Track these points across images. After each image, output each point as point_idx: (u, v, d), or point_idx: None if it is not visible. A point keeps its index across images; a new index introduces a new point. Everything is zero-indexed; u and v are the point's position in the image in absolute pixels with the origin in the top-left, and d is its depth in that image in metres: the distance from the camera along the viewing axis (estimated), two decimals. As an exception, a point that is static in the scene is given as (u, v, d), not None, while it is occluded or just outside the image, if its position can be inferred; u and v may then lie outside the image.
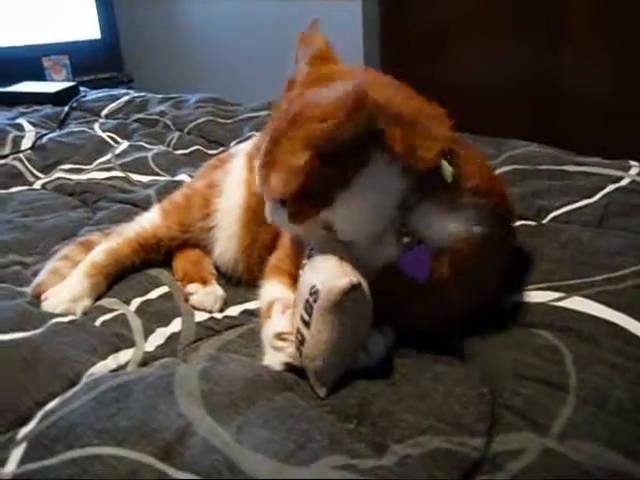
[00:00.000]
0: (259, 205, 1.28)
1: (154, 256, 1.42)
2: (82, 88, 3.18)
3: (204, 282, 1.31)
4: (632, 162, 1.68)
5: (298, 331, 0.95)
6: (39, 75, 4.40)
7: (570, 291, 1.14)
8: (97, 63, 4.94)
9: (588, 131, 2.91)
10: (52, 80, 4.43)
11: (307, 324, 0.93)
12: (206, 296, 1.27)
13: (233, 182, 1.43)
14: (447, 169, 0.97)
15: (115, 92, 3.08)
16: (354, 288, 0.91)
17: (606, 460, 0.79)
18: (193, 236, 1.43)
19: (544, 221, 1.44)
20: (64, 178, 1.99)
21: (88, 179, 1.98)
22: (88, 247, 1.42)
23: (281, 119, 0.97)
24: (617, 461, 0.78)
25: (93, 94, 3.05)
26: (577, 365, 0.94)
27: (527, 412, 0.86)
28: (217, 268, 1.41)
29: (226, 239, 1.39)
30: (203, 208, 1.43)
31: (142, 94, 2.96)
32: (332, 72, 1.04)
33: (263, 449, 0.81)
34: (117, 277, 1.36)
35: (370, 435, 0.85)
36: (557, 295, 1.14)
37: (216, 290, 1.30)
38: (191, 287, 1.29)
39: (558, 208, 1.48)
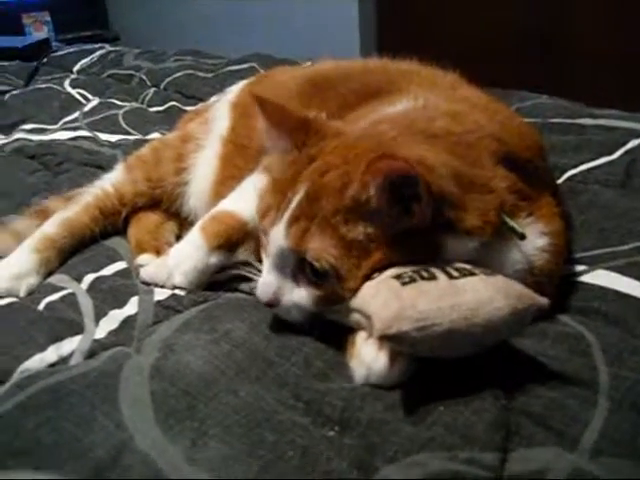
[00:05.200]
0: (239, 157, 1.19)
1: (115, 219, 1.26)
2: (55, 43, 2.98)
3: (158, 253, 1.14)
4: (654, 113, 1.50)
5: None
6: (19, 33, 4.18)
7: (593, 263, 0.99)
8: (81, 20, 4.71)
9: (601, 83, 2.72)
10: (33, 38, 4.22)
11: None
12: (157, 269, 1.08)
13: (213, 135, 1.29)
14: (515, 228, 0.82)
15: (89, 47, 2.89)
16: None
17: (652, 484, 0.62)
18: (164, 192, 1.29)
19: (559, 181, 1.27)
20: (25, 139, 1.82)
21: (51, 140, 1.80)
22: (44, 216, 1.26)
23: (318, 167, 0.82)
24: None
25: (66, 49, 2.86)
26: (607, 357, 0.78)
27: (550, 419, 0.70)
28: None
29: (201, 195, 1.26)
30: (176, 162, 1.29)
31: (118, 48, 2.77)
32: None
33: (220, 472, 0.65)
34: (74, 250, 1.20)
35: (355, 449, 0.68)
36: (578, 269, 0.99)
37: None
38: (142, 259, 1.13)
39: (575, 166, 1.32)
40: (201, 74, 2.30)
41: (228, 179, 1.18)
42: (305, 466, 0.66)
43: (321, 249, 0.77)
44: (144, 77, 2.37)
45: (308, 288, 0.81)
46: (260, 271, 0.91)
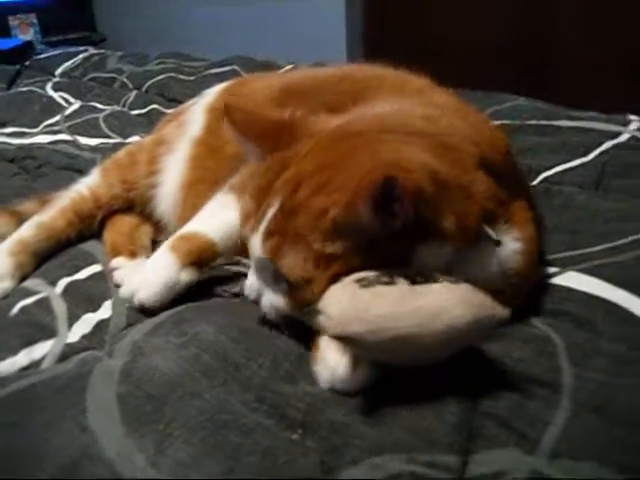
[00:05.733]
0: (210, 159, 1.19)
1: (91, 222, 1.27)
2: (41, 46, 2.97)
3: (133, 255, 1.14)
4: (632, 116, 1.51)
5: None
6: (5, 34, 4.18)
7: (564, 265, 1.00)
8: (68, 22, 4.70)
9: (582, 87, 2.72)
10: (19, 41, 4.20)
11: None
12: (131, 272, 1.08)
13: (186, 138, 1.29)
14: (491, 235, 0.83)
15: (73, 49, 2.88)
16: None
17: (610, 486, 0.63)
18: (137, 195, 1.29)
19: (534, 182, 1.29)
20: (5, 143, 1.82)
21: (31, 143, 1.81)
22: (17, 218, 1.27)
23: (295, 177, 0.80)
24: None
25: (49, 52, 2.85)
26: (572, 359, 0.79)
27: (512, 421, 0.70)
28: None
29: (170, 197, 1.26)
30: (149, 165, 1.29)
31: (101, 51, 2.77)
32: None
33: (182, 475, 0.65)
34: (49, 254, 1.20)
35: (317, 452, 0.68)
36: (549, 271, 0.99)
37: None
38: (116, 261, 1.13)
39: (549, 168, 1.33)
40: (182, 77, 2.30)
41: (198, 182, 1.18)
42: (268, 468, 0.66)
43: (294, 265, 0.77)
44: (126, 80, 2.37)
45: (283, 293, 0.81)
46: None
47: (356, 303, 0.70)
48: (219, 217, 0.97)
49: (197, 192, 1.16)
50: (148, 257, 1.15)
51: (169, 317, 0.95)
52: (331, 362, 0.75)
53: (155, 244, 1.23)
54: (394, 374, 0.75)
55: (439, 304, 0.70)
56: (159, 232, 1.26)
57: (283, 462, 0.66)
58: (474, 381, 0.76)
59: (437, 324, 0.69)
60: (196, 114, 1.31)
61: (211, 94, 1.40)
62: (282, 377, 0.79)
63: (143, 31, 4.53)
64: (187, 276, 0.99)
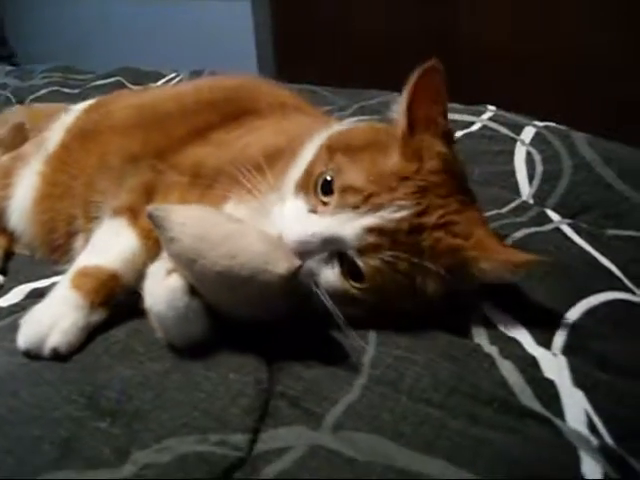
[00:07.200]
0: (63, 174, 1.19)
1: None
2: None
3: None
4: (490, 106, 1.58)
5: None
6: None
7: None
8: (-29, 38, 4.62)
9: (485, 78, 2.80)
10: None
11: None
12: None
13: (40, 153, 1.29)
14: None
15: (-43, 65, 2.82)
16: None
17: (385, 454, 0.66)
18: None
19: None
20: None
21: None
22: None
23: None
24: (396, 454, 0.66)
25: None
26: (379, 338, 0.82)
27: (304, 400, 0.74)
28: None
29: (21, 211, 1.26)
30: (3, 178, 1.30)
31: (-11, 67, 2.73)
32: None
33: (-23, 473, 0.67)
34: None
35: (119, 438, 0.70)
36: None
37: None
38: None
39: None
40: (67, 90, 2.28)
41: (48, 197, 1.20)
42: (62, 458, 0.68)
43: None
44: (10, 95, 2.33)
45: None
46: None
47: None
48: (117, 246, 0.94)
49: (47, 207, 1.18)
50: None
51: (9, 323, 0.95)
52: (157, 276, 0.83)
53: (9, 255, 1.25)
54: (199, 358, 0.79)
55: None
56: (13, 244, 1.27)
57: (82, 450, 0.69)
58: (276, 363, 0.80)
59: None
60: (54, 132, 1.31)
61: (74, 112, 1.39)
62: (100, 368, 0.81)
63: (55, 45, 4.48)
64: (98, 317, 0.90)
